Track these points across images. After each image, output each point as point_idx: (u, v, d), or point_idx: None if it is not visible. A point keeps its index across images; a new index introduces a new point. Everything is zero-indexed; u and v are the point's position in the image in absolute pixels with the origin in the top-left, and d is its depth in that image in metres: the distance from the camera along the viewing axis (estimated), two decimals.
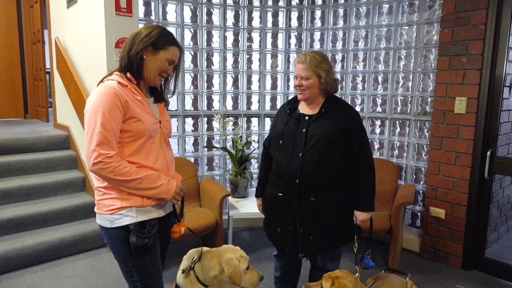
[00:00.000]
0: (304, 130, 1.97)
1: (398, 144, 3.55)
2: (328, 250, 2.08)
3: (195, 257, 1.85)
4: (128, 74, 1.58)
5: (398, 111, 3.51)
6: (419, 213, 3.45)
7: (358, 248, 2.06)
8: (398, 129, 3.53)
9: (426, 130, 3.34)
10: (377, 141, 3.67)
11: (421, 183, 3.41)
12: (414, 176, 3.47)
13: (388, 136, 3.58)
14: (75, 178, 3.79)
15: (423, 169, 3.39)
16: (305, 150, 1.95)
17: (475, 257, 3.01)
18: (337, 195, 2.01)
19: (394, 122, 3.54)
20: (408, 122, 3.46)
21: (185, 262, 1.92)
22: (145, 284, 1.64)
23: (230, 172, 3.54)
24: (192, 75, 3.73)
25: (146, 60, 1.58)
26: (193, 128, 3.81)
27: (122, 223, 1.56)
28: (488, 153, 2.83)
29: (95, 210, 1.63)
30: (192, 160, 3.78)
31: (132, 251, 1.57)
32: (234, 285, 1.81)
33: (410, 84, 3.41)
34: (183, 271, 1.84)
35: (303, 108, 2.06)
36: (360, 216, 2.02)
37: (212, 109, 3.83)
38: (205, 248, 1.96)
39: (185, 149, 3.79)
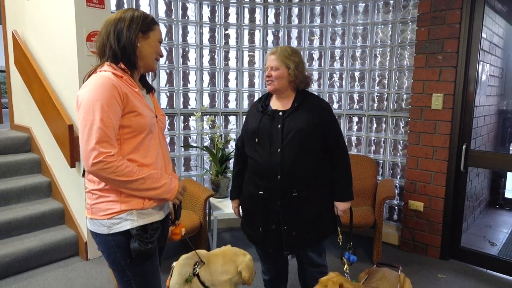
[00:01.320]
0: (279, 126, 1.95)
1: (375, 140, 3.63)
2: (313, 244, 2.07)
3: (198, 263, 1.75)
4: (122, 65, 1.45)
5: (375, 108, 3.59)
6: (396, 207, 3.55)
7: (342, 239, 2.06)
8: (375, 126, 3.61)
9: (402, 125, 3.44)
10: (355, 138, 3.73)
11: (398, 177, 3.51)
12: (391, 171, 3.56)
13: (365, 132, 3.65)
14: (39, 183, 3.50)
15: (399, 164, 3.49)
16: (283, 146, 1.93)
17: (452, 247, 3.14)
18: (319, 189, 2.00)
19: (371, 119, 3.62)
20: (384, 119, 3.54)
21: (180, 269, 1.81)
22: None
23: (211, 172, 3.43)
24: (168, 72, 3.58)
25: (141, 47, 1.46)
26: (169, 127, 3.66)
27: (121, 228, 1.43)
28: (464, 146, 2.96)
29: (87, 215, 1.48)
30: None
31: (133, 258, 1.45)
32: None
33: (386, 82, 3.50)
34: (187, 280, 1.73)
35: (275, 105, 2.04)
36: (340, 206, 2.03)
37: (189, 107, 3.70)
38: (199, 251, 1.87)
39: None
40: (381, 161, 3.59)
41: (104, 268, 2.93)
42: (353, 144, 3.74)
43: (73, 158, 3.05)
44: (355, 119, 3.71)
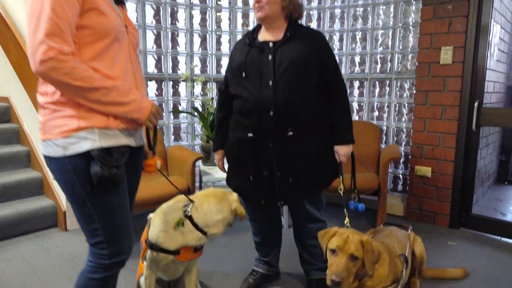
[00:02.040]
0: (270, 57, 1.71)
1: (378, 106, 3.38)
2: (310, 194, 1.83)
3: (187, 204, 1.58)
4: None
5: (378, 71, 3.35)
6: (401, 176, 3.31)
7: (344, 189, 1.82)
8: (378, 90, 3.37)
9: (407, 87, 3.20)
10: (356, 103, 3.48)
11: (403, 144, 3.27)
12: (395, 138, 3.32)
13: (367, 97, 3.40)
14: (17, 152, 3.25)
15: (404, 129, 3.25)
16: (276, 77, 1.70)
17: (462, 215, 2.89)
18: (317, 130, 1.77)
19: (374, 83, 3.38)
20: (388, 82, 3.30)
21: (164, 216, 1.59)
22: (109, 231, 1.27)
23: (201, 137, 3.19)
24: (155, 33, 3.33)
25: None
26: (157, 93, 3.41)
27: (80, 148, 1.18)
28: (476, 104, 2.72)
29: (40, 136, 1.23)
30: None
31: (94, 185, 1.20)
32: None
33: (390, 42, 3.26)
34: (177, 224, 1.54)
35: (264, 36, 1.79)
36: (341, 151, 1.79)
37: (178, 72, 3.44)
38: (181, 196, 1.65)
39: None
40: (385, 128, 3.34)
41: (83, 238, 2.67)
42: (355, 110, 3.49)
43: None
44: (357, 83, 3.46)
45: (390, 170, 3.33)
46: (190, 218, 1.57)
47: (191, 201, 1.61)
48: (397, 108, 3.27)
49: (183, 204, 1.62)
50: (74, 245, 2.60)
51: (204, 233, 1.59)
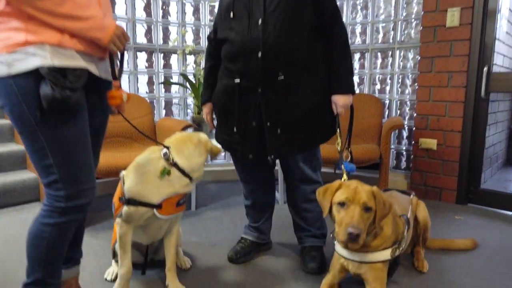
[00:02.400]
0: None
1: (380, 78, 3.20)
2: (304, 149, 1.65)
3: (166, 153, 1.43)
4: None
5: (380, 41, 3.16)
6: (404, 152, 3.12)
7: (341, 144, 1.64)
8: (380, 61, 3.18)
9: (411, 57, 3.01)
10: (357, 77, 3.30)
11: (406, 118, 3.09)
12: (398, 112, 3.13)
13: (369, 69, 3.22)
14: (1, 125, 3.09)
15: (408, 102, 3.06)
16: (266, 16, 1.54)
17: (470, 190, 2.70)
18: (312, 75, 1.59)
19: (376, 54, 3.19)
20: (390, 52, 3.11)
21: (141, 169, 1.43)
22: (66, 168, 1.10)
23: (192, 108, 3.02)
24: (145, 0, 3.16)
25: None
26: (147, 65, 3.24)
27: (27, 65, 1.01)
28: (485, 69, 2.53)
29: None
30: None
31: (46, 111, 1.03)
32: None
33: (392, 10, 3.07)
34: (163, 173, 1.39)
35: None
36: (340, 101, 1.61)
37: (170, 44, 3.27)
38: (153, 147, 1.50)
39: (138, 88, 3.22)
40: (387, 101, 3.16)
41: None
42: (355, 84, 3.31)
43: None
44: (357, 55, 3.27)
45: (392, 146, 3.15)
46: (175, 165, 1.43)
47: (167, 147, 1.44)
48: (400, 80, 3.09)
49: (159, 153, 1.46)
50: None
51: (190, 178, 1.46)
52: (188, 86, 3.01)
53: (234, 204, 2.70)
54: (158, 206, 1.42)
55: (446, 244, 1.97)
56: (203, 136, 1.55)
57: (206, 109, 1.83)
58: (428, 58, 2.73)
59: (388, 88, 3.16)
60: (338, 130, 1.65)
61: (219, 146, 1.63)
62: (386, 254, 1.44)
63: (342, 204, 1.34)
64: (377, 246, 1.43)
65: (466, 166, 2.67)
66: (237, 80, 1.59)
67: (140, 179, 1.41)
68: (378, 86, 3.22)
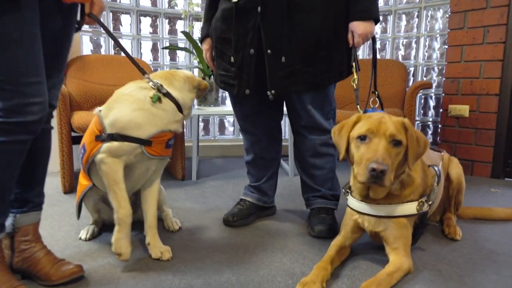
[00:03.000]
0: None
1: (404, 42, 2.89)
2: (312, 86, 1.38)
3: (156, 83, 1.24)
4: None
5: (404, 1, 2.85)
6: (431, 124, 2.80)
7: (358, 82, 1.37)
8: (405, 23, 2.87)
9: (439, 17, 2.69)
10: (378, 42, 3.00)
11: (434, 86, 2.76)
12: (425, 79, 2.82)
13: (392, 33, 2.91)
14: None
15: (436, 68, 2.74)
16: None
17: (508, 162, 2.36)
18: None
19: (400, 16, 2.88)
20: (416, 12, 2.80)
21: (129, 97, 1.22)
22: (3, 70, 0.88)
23: (197, 74, 2.80)
24: None
25: None
26: (151, 30, 3.05)
27: None
28: None
29: None
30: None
31: None
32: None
33: None
34: (154, 99, 1.20)
35: None
36: (359, 28, 1.33)
37: (175, 8, 3.06)
38: (136, 81, 1.28)
39: (141, 54, 3.02)
40: (412, 68, 2.84)
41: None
42: (377, 50, 3.00)
43: None
44: None
45: (417, 118, 2.83)
46: (168, 94, 1.24)
47: (152, 81, 1.25)
48: (427, 43, 2.77)
49: (148, 84, 1.25)
50: (54, 186, 2.26)
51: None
52: (193, 49, 2.79)
53: (239, 176, 2.46)
54: (147, 143, 1.20)
55: (482, 212, 1.66)
56: (188, 72, 1.39)
57: (205, 46, 1.59)
58: (460, 13, 2.41)
59: (413, 53, 2.84)
60: (354, 65, 1.38)
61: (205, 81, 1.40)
62: (411, 208, 1.17)
63: (363, 138, 1.08)
64: (403, 197, 1.15)
65: (504, 134, 2.33)
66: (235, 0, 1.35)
67: (131, 107, 1.20)
68: (402, 52, 2.91)
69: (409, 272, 1.15)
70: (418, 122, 2.84)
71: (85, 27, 2.77)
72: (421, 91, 2.79)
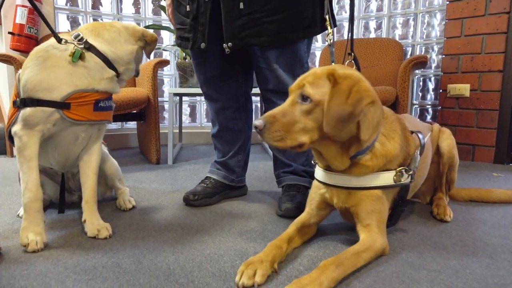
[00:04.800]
0: None
1: (401, 21, 2.69)
2: (279, 38, 1.20)
3: (78, 36, 1.07)
4: None
5: None
6: (430, 108, 2.60)
7: (333, 38, 1.18)
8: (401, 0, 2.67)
9: None
10: (374, 21, 2.80)
11: (433, 66, 2.56)
12: None
13: (388, 11, 2.71)
14: None
15: (435, 47, 2.54)
16: None
17: None
18: None
19: None
20: None
21: (43, 53, 1.04)
22: None
23: (178, 54, 2.63)
24: None
25: None
26: (133, 10, 2.90)
27: None
28: None
29: None
30: None
31: None
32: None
33: None
34: (75, 56, 1.02)
35: None
36: None
37: None
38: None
39: (121, 9, 2.85)
40: (410, 47, 2.64)
41: None
42: (372, 29, 2.81)
43: None
44: None
45: (416, 102, 2.63)
46: (92, 48, 1.07)
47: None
48: (426, 20, 2.56)
49: (69, 37, 1.07)
50: (16, 169, 2.13)
51: (116, 72, 1.11)
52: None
53: None
54: (64, 105, 1.03)
55: (480, 194, 1.46)
56: (132, 24, 1.21)
57: (168, 1, 1.42)
58: None
59: (411, 31, 2.64)
60: (327, 17, 1.19)
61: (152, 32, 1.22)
62: (387, 178, 0.98)
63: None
64: (372, 167, 0.96)
65: (509, 115, 2.12)
66: None
67: (43, 65, 1.03)
68: (399, 31, 2.70)
69: (383, 254, 0.96)
70: (416, 106, 2.64)
71: (62, 4, 2.64)
72: (418, 72, 2.59)
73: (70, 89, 1.03)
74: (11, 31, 2.34)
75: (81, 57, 1.04)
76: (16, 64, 2.04)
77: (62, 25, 2.66)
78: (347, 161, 0.95)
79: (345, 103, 0.84)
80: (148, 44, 1.20)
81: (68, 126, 1.07)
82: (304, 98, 0.88)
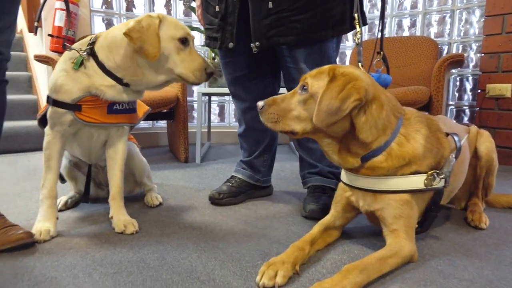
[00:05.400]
0: None
1: (437, 18, 2.58)
2: (306, 37, 1.18)
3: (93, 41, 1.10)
4: None
5: None
6: (467, 109, 2.48)
7: (361, 37, 1.15)
8: None
9: None
10: (408, 19, 2.70)
11: (471, 66, 2.44)
12: None
13: (423, 8, 2.61)
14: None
15: (473, 45, 2.42)
16: None
17: None
18: None
19: None
20: None
21: (68, 54, 1.10)
22: None
23: (207, 55, 2.66)
24: None
25: None
26: (166, 11, 2.96)
27: None
28: None
29: None
30: None
31: None
32: (148, 58, 1.03)
33: None
34: (76, 63, 1.06)
35: None
36: None
37: None
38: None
39: (153, 11, 2.91)
40: (446, 45, 2.53)
41: None
42: (406, 27, 2.71)
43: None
44: None
45: (452, 103, 2.52)
46: (93, 56, 1.09)
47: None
48: (463, 17, 2.45)
49: (75, 46, 1.12)
50: None
51: (119, 80, 1.09)
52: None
53: None
54: (75, 107, 1.07)
55: None
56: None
57: (197, 2, 1.44)
58: None
59: (447, 29, 2.53)
60: (356, 16, 1.16)
61: (147, 28, 1.13)
62: (416, 181, 0.94)
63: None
64: (387, 168, 0.92)
65: None
66: None
67: (58, 67, 1.10)
68: (434, 29, 2.60)
69: (411, 261, 0.92)
70: (452, 107, 2.53)
71: (97, 7, 2.74)
72: (455, 71, 2.48)
73: (80, 92, 1.07)
74: (50, 33, 2.45)
75: (81, 63, 1.07)
76: (53, 65, 2.14)
77: (98, 27, 2.76)
78: (353, 160, 0.92)
79: (335, 98, 0.84)
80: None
81: (83, 126, 1.12)
82: (304, 88, 0.90)
